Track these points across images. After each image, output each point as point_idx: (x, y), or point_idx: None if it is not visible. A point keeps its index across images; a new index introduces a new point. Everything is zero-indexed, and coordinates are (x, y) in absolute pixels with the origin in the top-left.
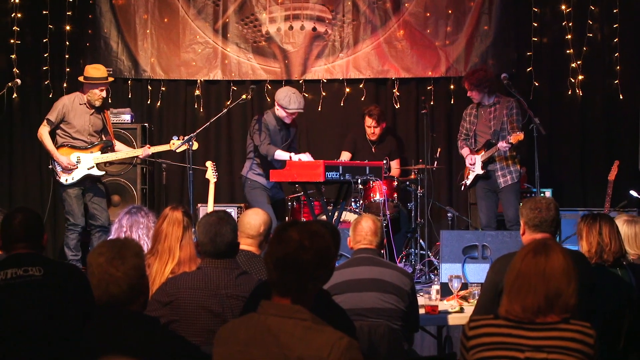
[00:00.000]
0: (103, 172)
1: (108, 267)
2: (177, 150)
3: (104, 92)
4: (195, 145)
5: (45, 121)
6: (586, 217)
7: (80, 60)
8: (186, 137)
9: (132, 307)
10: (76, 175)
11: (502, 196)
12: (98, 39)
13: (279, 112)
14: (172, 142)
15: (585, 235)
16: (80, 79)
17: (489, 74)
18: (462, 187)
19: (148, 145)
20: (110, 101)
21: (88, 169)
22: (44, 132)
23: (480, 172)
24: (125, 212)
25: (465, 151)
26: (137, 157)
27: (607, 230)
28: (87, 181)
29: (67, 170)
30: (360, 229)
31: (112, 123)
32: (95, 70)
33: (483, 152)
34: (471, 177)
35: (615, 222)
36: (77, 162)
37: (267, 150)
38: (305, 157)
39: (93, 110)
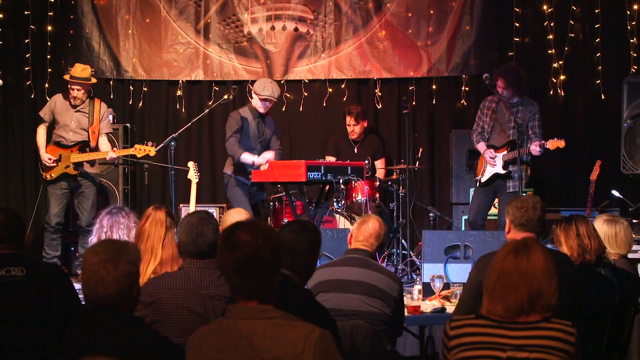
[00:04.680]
0: (77, 172)
1: (99, 268)
2: (139, 155)
3: (77, 92)
4: (153, 152)
5: None
6: (560, 222)
7: (62, 60)
8: (165, 141)
9: (122, 310)
10: (54, 173)
11: (502, 199)
12: (80, 40)
13: (254, 100)
14: (136, 146)
15: (564, 239)
16: (66, 77)
17: (523, 73)
18: (477, 183)
19: (114, 149)
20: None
21: (65, 167)
22: (38, 128)
23: (502, 171)
24: (106, 212)
25: (481, 146)
26: (116, 159)
27: (584, 230)
28: (71, 180)
29: (47, 167)
30: (364, 228)
31: None
32: (76, 69)
33: (506, 152)
34: (487, 174)
35: (588, 220)
36: (57, 160)
37: (233, 152)
38: (269, 154)
39: (78, 107)
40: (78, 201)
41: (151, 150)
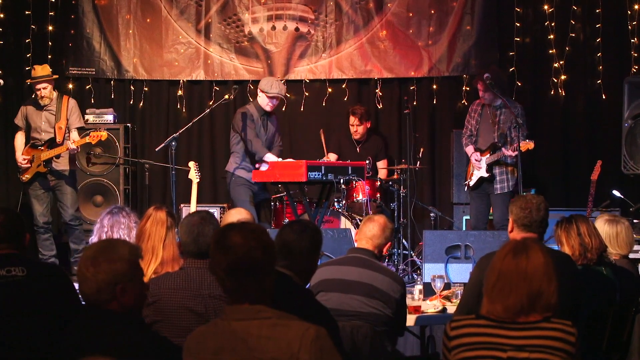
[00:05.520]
0: (46, 170)
1: (82, 266)
2: (93, 142)
3: (42, 90)
4: (105, 135)
5: None
6: (561, 222)
7: (62, 60)
8: (166, 141)
9: (109, 307)
10: (29, 174)
11: (492, 199)
12: (80, 39)
13: (261, 98)
14: (91, 134)
15: (565, 239)
16: (28, 81)
17: (501, 74)
18: (466, 188)
19: (73, 140)
20: (93, 101)
21: (37, 167)
22: (16, 135)
23: (485, 174)
24: (106, 213)
25: (470, 149)
26: (75, 150)
27: (585, 229)
28: (44, 179)
29: (23, 169)
30: (370, 228)
31: (95, 123)
32: (34, 71)
33: (488, 155)
34: (475, 178)
35: (588, 219)
36: (31, 160)
37: (259, 150)
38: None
39: (44, 106)
40: (57, 199)
41: (103, 134)
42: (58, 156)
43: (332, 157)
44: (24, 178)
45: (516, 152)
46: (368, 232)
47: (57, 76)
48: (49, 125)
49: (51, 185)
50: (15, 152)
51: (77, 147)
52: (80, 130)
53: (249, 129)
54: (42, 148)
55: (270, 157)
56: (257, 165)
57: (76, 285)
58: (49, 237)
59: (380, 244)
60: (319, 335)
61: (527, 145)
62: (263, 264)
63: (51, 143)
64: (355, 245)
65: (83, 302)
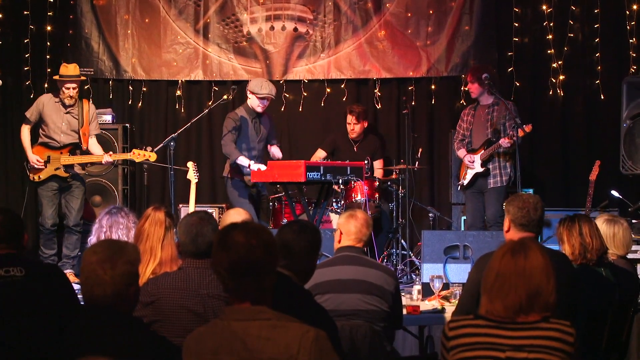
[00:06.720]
0: (68, 175)
1: (97, 268)
2: (137, 161)
3: (71, 90)
4: (154, 157)
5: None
6: (564, 220)
7: (61, 60)
8: (164, 141)
9: (119, 309)
10: (43, 175)
11: (486, 195)
12: (79, 40)
13: (251, 100)
14: (134, 151)
15: (567, 238)
16: (56, 77)
17: (494, 74)
18: (459, 187)
19: (110, 153)
20: (91, 101)
21: (55, 169)
22: (22, 129)
23: (480, 169)
24: (105, 213)
25: (461, 152)
26: (111, 163)
27: (587, 229)
28: (61, 182)
29: (35, 168)
30: (352, 226)
31: None
32: (64, 68)
33: (483, 151)
34: (469, 176)
35: (592, 219)
36: (46, 161)
37: (230, 152)
38: (262, 167)
39: (68, 108)
40: (66, 201)
41: (151, 155)
42: (84, 164)
43: (320, 153)
44: (35, 178)
45: (512, 141)
46: (358, 232)
47: (84, 77)
48: (69, 127)
49: (67, 188)
50: (24, 149)
51: (113, 160)
52: (97, 137)
53: (230, 134)
54: (62, 151)
55: (242, 160)
56: (245, 171)
57: (76, 287)
58: (53, 238)
59: (366, 239)
60: (319, 337)
61: (524, 130)
62: (263, 263)
63: (73, 148)
64: (339, 243)
65: (83, 303)
